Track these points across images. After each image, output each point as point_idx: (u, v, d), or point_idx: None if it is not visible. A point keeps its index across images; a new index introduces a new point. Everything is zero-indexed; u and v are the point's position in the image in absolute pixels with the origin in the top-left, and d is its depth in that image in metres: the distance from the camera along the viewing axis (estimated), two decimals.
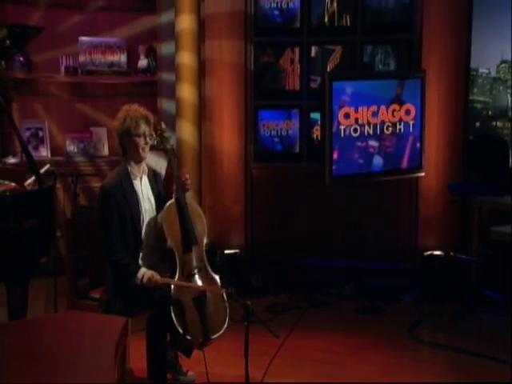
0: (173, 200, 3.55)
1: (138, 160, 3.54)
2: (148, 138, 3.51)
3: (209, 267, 3.60)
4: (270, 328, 3.30)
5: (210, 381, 3.43)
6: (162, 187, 3.69)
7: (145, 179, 3.59)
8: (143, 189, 3.56)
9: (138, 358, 3.53)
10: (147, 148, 3.53)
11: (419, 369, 3.95)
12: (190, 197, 3.83)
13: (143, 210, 3.52)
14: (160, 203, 3.59)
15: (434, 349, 4.27)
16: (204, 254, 3.61)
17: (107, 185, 3.48)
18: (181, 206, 3.54)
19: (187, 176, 3.62)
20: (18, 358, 2.33)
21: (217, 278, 3.59)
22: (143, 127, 3.48)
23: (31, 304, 3.62)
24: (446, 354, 4.16)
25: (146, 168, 3.61)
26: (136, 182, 3.54)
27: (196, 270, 3.50)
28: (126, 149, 3.52)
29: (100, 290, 3.71)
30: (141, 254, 3.52)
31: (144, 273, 3.38)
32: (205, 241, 3.65)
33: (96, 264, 3.79)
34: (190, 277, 3.48)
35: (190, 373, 3.66)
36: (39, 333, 2.65)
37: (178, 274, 3.47)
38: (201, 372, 3.58)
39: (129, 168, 3.54)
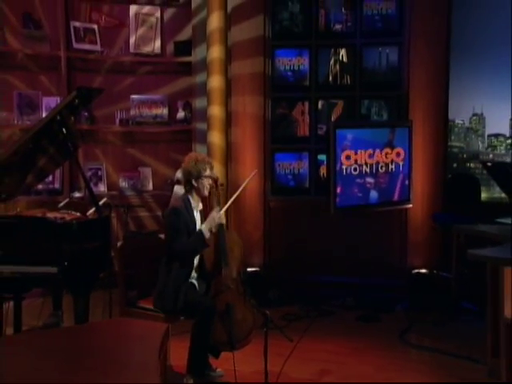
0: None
1: (202, 196, 3.62)
2: (211, 180, 3.61)
3: (240, 286, 3.60)
4: (285, 333, 3.34)
5: (236, 377, 3.42)
6: None
7: (198, 212, 3.65)
8: (197, 218, 3.62)
9: (177, 357, 3.59)
10: (209, 187, 3.61)
11: (408, 367, 3.93)
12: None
13: None
14: None
15: (421, 351, 4.26)
16: (236, 275, 3.61)
17: (177, 206, 3.56)
18: (219, 235, 3.59)
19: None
20: (81, 354, 2.33)
21: (244, 296, 3.59)
22: (209, 171, 3.57)
23: (91, 311, 3.64)
24: (431, 355, 4.16)
25: (201, 204, 3.68)
26: (194, 211, 3.61)
27: (224, 288, 3.51)
28: (192, 186, 3.57)
29: (146, 300, 3.71)
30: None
31: (206, 227, 3.45)
32: (239, 265, 3.66)
33: (143, 278, 3.82)
34: (219, 293, 3.50)
35: (218, 369, 3.65)
36: (97, 335, 2.65)
37: (211, 289, 3.53)
38: (226, 369, 3.60)
39: (190, 200, 3.59)
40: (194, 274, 3.61)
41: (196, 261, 3.61)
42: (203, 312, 3.38)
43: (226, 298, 3.50)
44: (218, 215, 3.51)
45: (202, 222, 3.64)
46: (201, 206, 3.68)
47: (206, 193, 3.62)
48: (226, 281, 3.55)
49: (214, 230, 3.49)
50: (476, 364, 3.88)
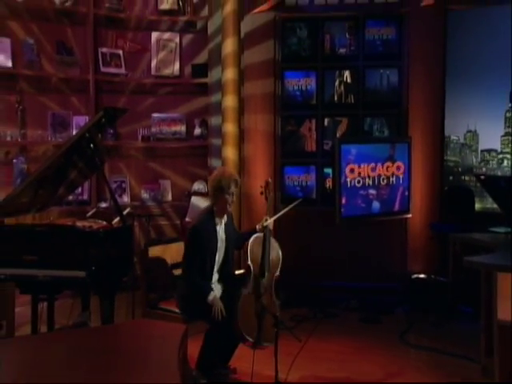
0: (260, 234, 3.56)
1: (223, 212, 3.51)
2: (234, 197, 3.49)
3: (274, 293, 3.57)
4: (294, 333, 3.34)
5: (248, 373, 3.43)
6: (235, 227, 3.70)
7: (223, 225, 3.56)
8: (220, 232, 3.54)
9: (193, 356, 3.50)
10: (232, 204, 3.51)
11: (408, 365, 3.93)
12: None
13: (218, 247, 3.52)
14: (230, 240, 3.57)
15: (420, 350, 4.25)
16: (273, 281, 3.57)
17: (198, 226, 3.47)
18: (265, 241, 3.54)
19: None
20: (106, 353, 2.28)
21: (277, 303, 3.58)
22: (233, 188, 3.45)
23: (116, 311, 3.64)
24: (429, 354, 4.16)
25: (226, 217, 3.57)
26: (218, 228, 3.52)
27: (263, 291, 3.47)
28: (217, 201, 3.48)
29: (166, 301, 3.75)
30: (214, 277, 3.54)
31: (214, 297, 3.40)
32: (277, 273, 3.62)
33: (163, 282, 3.86)
34: (260, 295, 3.46)
35: (232, 367, 3.64)
36: (121, 335, 2.61)
37: (250, 289, 3.48)
38: (239, 367, 3.62)
39: (215, 215, 3.50)
40: (215, 276, 3.58)
41: (216, 267, 3.57)
42: (217, 324, 3.37)
43: (263, 303, 3.45)
44: (219, 303, 3.39)
45: (226, 235, 3.57)
46: (226, 218, 3.58)
47: (229, 209, 3.51)
48: (266, 285, 3.52)
49: (215, 307, 3.37)
50: (471, 362, 3.89)
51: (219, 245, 3.54)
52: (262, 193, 3.76)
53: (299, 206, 5.54)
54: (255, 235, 3.62)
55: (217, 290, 3.57)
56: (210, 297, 3.41)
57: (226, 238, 3.58)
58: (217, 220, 3.53)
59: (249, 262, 3.55)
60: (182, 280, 3.58)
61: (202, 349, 3.44)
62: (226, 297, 3.53)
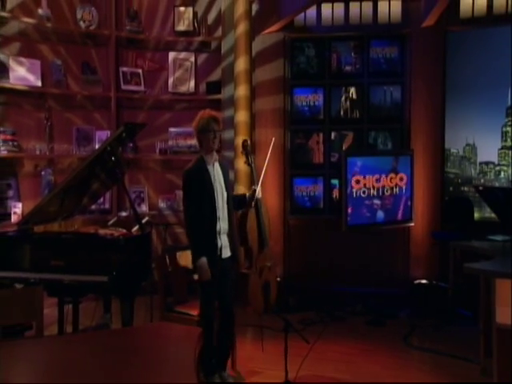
0: (252, 211, 3.49)
1: (210, 150, 3.37)
2: (216, 133, 3.36)
3: (272, 261, 3.58)
4: (303, 336, 3.36)
5: (259, 374, 3.44)
6: (228, 172, 3.55)
7: (216, 165, 3.42)
8: (215, 173, 3.40)
9: None
10: (216, 141, 3.37)
11: (411, 366, 3.94)
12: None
13: (215, 188, 3.37)
14: (227, 185, 3.46)
15: (422, 352, 4.26)
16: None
17: (189, 170, 3.38)
18: (258, 213, 3.51)
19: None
20: (127, 354, 2.28)
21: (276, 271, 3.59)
22: (212, 125, 3.34)
23: (135, 313, 3.64)
24: (431, 356, 4.15)
25: (216, 156, 3.44)
26: (209, 168, 3.39)
27: (264, 266, 3.44)
28: (202, 142, 3.38)
29: (182, 305, 3.75)
30: (219, 216, 3.36)
31: (202, 264, 3.25)
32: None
33: (179, 286, 3.86)
34: (261, 271, 3.45)
35: (229, 372, 3.50)
36: (140, 337, 2.61)
37: (253, 266, 3.49)
38: (249, 370, 3.64)
39: (204, 157, 3.39)
40: (222, 226, 3.39)
41: (220, 213, 3.38)
42: (204, 317, 3.33)
43: (266, 276, 3.47)
44: (205, 268, 3.27)
45: (223, 177, 3.44)
46: (216, 156, 3.44)
47: (214, 146, 3.37)
48: (267, 260, 3.49)
49: (201, 274, 3.28)
50: (470, 363, 3.89)
51: (216, 186, 3.39)
52: (245, 162, 3.64)
53: (307, 214, 5.66)
54: (249, 216, 3.54)
55: (225, 251, 3.40)
56: (199, 262, 3.28)
57: (223, 179, 3.45)
58: (207, 160, 3.40)
59: (249, 242, 3.51)
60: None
61: (201, 348, 3.31)
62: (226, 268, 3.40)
